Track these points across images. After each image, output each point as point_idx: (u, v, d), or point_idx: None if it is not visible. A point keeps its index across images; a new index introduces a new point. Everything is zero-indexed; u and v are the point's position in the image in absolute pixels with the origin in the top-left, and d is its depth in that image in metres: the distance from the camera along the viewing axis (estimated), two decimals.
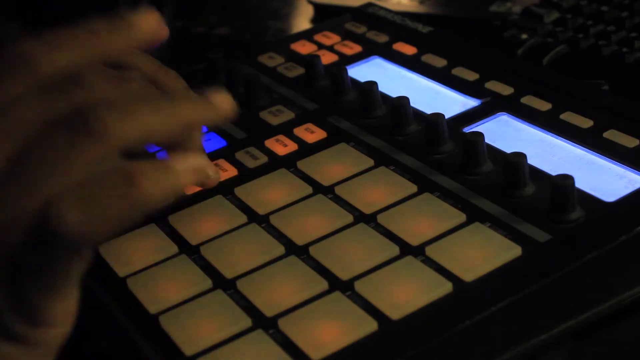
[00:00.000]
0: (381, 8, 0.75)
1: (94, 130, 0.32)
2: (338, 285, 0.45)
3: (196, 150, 0.35)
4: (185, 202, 0.53)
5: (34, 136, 0.33)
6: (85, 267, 0.35)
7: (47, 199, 0.32)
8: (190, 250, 0.49)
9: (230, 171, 0.56)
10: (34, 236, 0.32)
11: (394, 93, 0.60)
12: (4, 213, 0.33)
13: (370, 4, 0.77)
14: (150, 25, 0.38)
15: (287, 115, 0.61)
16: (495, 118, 0.58)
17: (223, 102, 0.38)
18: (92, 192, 0.32)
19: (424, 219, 0.48)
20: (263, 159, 0.56)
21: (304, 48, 0.71)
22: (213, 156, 0.57)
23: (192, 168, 0.34)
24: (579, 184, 0.48)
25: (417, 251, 0.46)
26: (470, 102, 0.60)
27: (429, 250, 0.46)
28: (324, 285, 0.45)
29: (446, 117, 0.54)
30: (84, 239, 0.32)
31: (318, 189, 0.52)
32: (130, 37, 0.37)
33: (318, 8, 0.88)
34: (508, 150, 0.52)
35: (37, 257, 0.33)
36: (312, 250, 0.47)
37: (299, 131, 0.59)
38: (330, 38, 0.72)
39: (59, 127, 0.33)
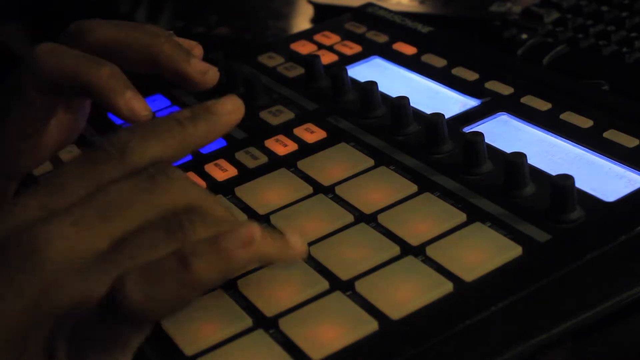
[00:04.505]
0: (381, 8, 0.75)
1: (188, 236, 0.35)
2: (338, 285, 0.45)
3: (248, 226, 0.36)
4: None
5: (133, 225, 0.36)
6: (142, 340, 0.37)
7: (119, 279, 0.34)
8: None
9: (230, 171, 0.56)
10: (103, 310, 0.35)
11: (394, 93, 0.60)
12: (87, 289, 0.36)
13: (370, 4, 0.77)
14: (232, 111, 0.41)
15: (287, 115, 0.61)
16: (495, 118, 0.58)
17: (297, 243, 0.39)
18: (153, 274, 0.34)
19: (424, 219, 0.48)
20: (263, 159, 0.56)
21: (304, 48, 0.71)
22: (213, 156, 0.57)
23: (242, 242, 0.35)
24: (579, 184, 0.48)
25: (417, 251, 0.46)
26: (470, 102, 0.60)
27: (429, 250, 0.46)
28: (324, 285, 0.45)
29: (446, 117, 0.54)
30: (144, 316, 0.35)
31: (318, 189, 0.52)
32: (213, 127, 0.40)
33: (318, 8, 0.88)
34: (508, 150, 0.52)
35: (103, 330, 0.36)
36: (313, 251, 0.47)
37: (299, 131, 0.59)
38: (330, 38, 0.72)
39: (158, 224, 0.36)
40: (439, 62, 0.65)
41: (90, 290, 0.35)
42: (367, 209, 0.50)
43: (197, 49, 0.53)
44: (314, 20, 0.88)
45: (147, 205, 0.37)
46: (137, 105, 0.47)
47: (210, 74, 0.50)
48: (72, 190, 0.37)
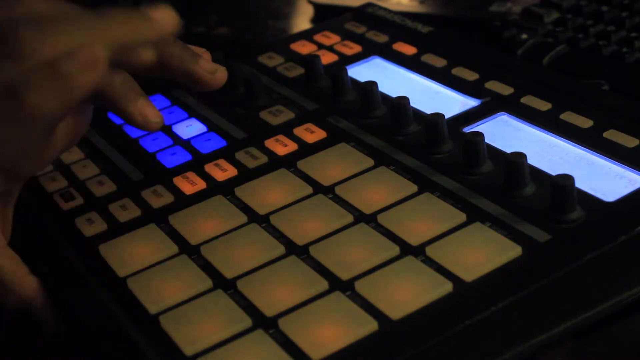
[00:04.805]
0: (381, 8, 0.75)
1: (13, 48, 0.31)
2: (338, 285, 0.45)
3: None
4: (185, 202, 0.53)
5: None
6: None
7: None
8: (190, 250, 0.49)
9: (230, 171, 0.56)
10: None
11: (394, 93, 0.60)
12: None
13: (370, 4, 0.77)
14: (166, 19, 0.37)
15: (287, 115, 0.61)
16: (495, 118, 0.58)
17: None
18: None
19: (424, 219, 0.48)
20: (263, 159, 0.56)
21: (304, 48, 0.71)
22: (213, 156, 0.57)
23: (83, 65, 0.30)
24: (579, 184, 0.48)
25: (417, 251, 0.46)
26: (470, 102, 0.60)
27: (429, 250, 0.46)
28: (324, 285, 0.45)
29: (446, 117, 0.54)
30: None
31: (318, 189, 0.52)
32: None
33: (318, 8, 0.88)
34: (508, 150, 0.52)
35: None
36: (312, 250, 0.47)
37: (299, 131, 0.59)
38: (330, 38, 0.72)
39: None
40: (439, 62, 0.65)
41: None
42: (367, 209, 0.50)
43: (206, 55, 0.53)
44: (314, 20, 0.88)
45: None
46: (150, 112, 0.46)
47: (219, 74, 0.50)
48: None
